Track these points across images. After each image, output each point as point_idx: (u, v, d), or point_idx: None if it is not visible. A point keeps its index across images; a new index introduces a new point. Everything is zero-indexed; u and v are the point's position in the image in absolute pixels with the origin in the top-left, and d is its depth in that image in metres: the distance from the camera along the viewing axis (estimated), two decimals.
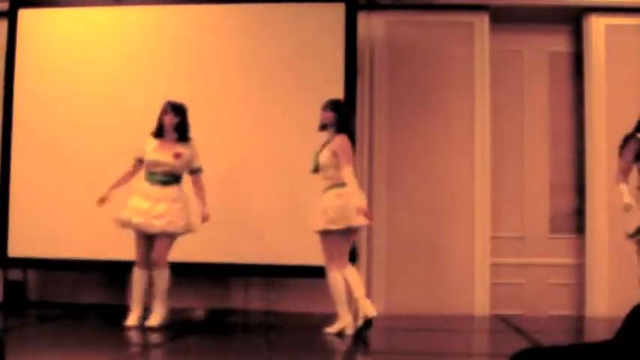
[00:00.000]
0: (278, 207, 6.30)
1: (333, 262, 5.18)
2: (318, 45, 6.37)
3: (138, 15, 6.68)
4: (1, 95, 6.73)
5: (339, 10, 6.38)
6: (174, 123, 5.44)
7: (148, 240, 5.40)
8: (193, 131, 5.61)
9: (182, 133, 5.48)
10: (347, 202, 5.06)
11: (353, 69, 6.36)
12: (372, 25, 6.81)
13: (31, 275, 6.85)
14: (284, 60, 6.42)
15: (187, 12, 6.62)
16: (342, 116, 5.28)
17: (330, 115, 5.27)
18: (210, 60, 6.52)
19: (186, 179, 5.59)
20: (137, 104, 6.40)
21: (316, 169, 5.32)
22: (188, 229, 5.48)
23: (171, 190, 5.41)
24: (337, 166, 5.15)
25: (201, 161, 5.62)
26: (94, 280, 6.29)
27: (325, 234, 5.17)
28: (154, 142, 5.45)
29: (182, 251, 6.23)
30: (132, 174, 5.53)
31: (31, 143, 6.56)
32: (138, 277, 5.41)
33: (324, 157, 5.21)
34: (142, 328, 5.28)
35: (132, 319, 5.36)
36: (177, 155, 5.41)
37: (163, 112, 5.46)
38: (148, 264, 5.41)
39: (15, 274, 6.78)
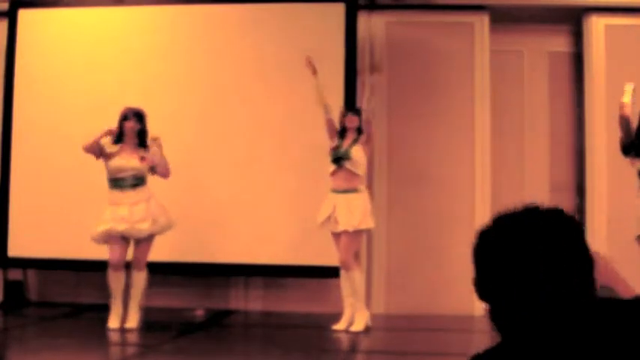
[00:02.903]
0: (278, 207, 6.30)
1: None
2: (318, 45, 6.36)
3: (138, 15, 6.68)
4: (1, 95, 6.73)
5: (339, 10, 6.38)
6: (137, 129, 5.47)
7: (127, 244, 5.39)
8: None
9: (143, 139, 5.50)
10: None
11: (353, 69, 6.36)
12: (372, 25, 6.80)
13: (31, 275, 6.85)
14: (284, 60, 6.42)
15: (187, 12, 6.62)
16: (361, 120, 5.64)
17: (357, 120, 5.58)
18: (210, 60, 6.51)
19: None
20: (137, 104, 6.38)
21: (339, 161, 5.47)
22: (170, 226, 5.47)
23: (143, 192, 5.42)
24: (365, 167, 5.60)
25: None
26: (94, 280, 6.28)
27: (359, 233, 5.50)
28: (115, 148, 5.45)
29: (182, 251, 6.24)
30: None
31: (31, 143, 6.56)
32: (117, 279, 5.36)
33: (358, 154, 5.51)
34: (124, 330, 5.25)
35: (115, 322, 5.32)
36: (144, 159, 5.45)
37: (124, 118, 5.48)
38: (124, 266, 5.38)
39: (15, 274, 6.78)
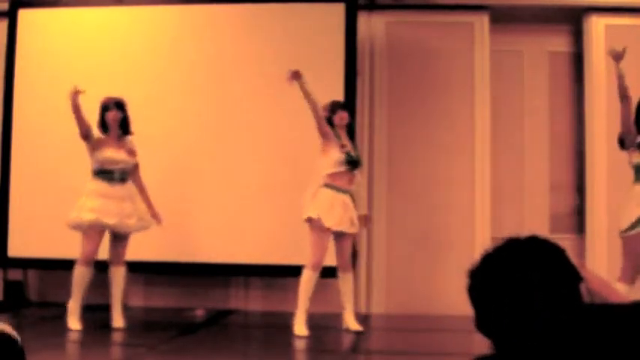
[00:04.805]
0: (278, 207, 6.30)
1: None
2: (318, 45, 6.36)
3: (138, 15, 6.68)
4: (1, 95, 6.73)
5: (339, 10, 6.38)
6: (119, 118, 5.39)
7: (101, 239, 5.29)
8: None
9: (125, 128, 5.43)
10: None
11: (353, 69, 6.36)
12: (372, 25, 6.80)
13: (31, 275, 6.85)
14: (284, 60, 6.40)
15: (187, 12, 6.62)
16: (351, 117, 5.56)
17: (347, 116, 5.45)
18: (209, 60, 6.51)
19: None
20: (137, 104, 6.38)
21: (355, 165, 5.38)
22: (151, 224, 5.44)
23: (130, 188, 5.38)
24: None
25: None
26: (94, 280, 6.27)
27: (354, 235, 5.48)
28: (102, 139, 5.36)
29: (182, 251, 6.23)
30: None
31: (31, 143, 6.56)
32: (85, 275, 5.24)
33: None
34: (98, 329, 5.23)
35: (77, 322, 5.23)
36: (132, 152, 5.39)
37: (105, 108, 5.39)
38: (93, 262, 5.29)
39: (15, 274, 6.78)
